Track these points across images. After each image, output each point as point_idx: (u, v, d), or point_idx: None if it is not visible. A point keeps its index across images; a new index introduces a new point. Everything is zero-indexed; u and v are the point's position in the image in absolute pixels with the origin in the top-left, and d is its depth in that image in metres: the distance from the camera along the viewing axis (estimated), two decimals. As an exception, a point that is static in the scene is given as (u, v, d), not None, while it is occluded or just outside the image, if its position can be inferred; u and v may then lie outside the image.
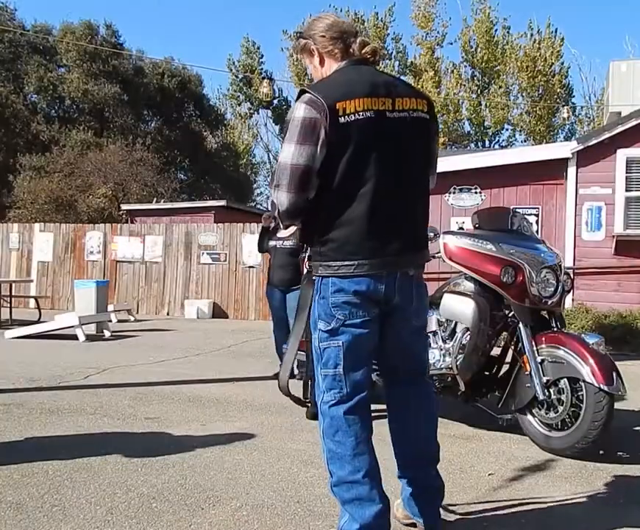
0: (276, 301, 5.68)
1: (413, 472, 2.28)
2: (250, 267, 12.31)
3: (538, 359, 3.48)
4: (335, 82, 2.08)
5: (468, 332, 3.71)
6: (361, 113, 1.99)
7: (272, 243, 5.68)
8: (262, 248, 5.95)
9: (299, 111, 2.02)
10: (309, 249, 2.19)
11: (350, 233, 2.03)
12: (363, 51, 2.14)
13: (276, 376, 5.64)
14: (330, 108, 1.97)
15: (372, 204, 2.03)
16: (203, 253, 12.68)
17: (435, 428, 2.32)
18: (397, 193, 2.07)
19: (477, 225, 3.92)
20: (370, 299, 2.07)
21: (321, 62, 2.21)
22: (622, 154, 8.61)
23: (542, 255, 3.71)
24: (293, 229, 5.84)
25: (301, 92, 2.07)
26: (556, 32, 24.41)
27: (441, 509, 2.36)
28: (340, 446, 2.08)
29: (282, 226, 2.29)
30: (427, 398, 2.32)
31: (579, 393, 3.36)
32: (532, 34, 24.47)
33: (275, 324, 5.73)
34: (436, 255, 3.93)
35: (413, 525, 2.35)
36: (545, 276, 3.63)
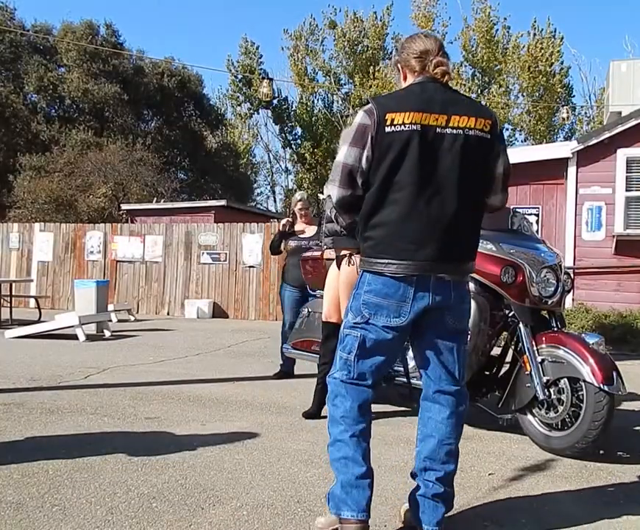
0: (289, 300, 5.65)
1: (421, 476, 2.35)
2: (250, 267, 12.31)
3: (539, 359, 3.48)
4: (396, 95, 2.31)
5: (469, 332, 3.71)
6: (407, 126, 2.17)
7: (294, 243, 5.66)
8: (276, 250, 5.89)
9: (358, 117, 2.26)
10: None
11: (384, 234, 2.22)
12: (435, 71, 2.29)
13: (276, 376, 5.67)
14: (380, 117, 2.18)
15: (406, 209, 2.19)
16: (203, 253, 12.69)
17: (453, 442, 2.34)
18: (436, 203, 2.20)
19: (477, 225, 3.91)
20: (397, 303, 2.22)
21: (404, 78, 2.41)
22: (622, 154, 8.62)
23: (542, 254, 3.71)
24: (314, 229, 5.83)
25: (367, 102, 2.29)
26: (555, 31, 24.44)
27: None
28: (336, 409, 2.33)
29: (339, 220, 2.40)
30: (452, 411, 2.34)
31: (579, 393, 3.37)
32: (534, 34, 24.48)
33: (284, 324, 5.70)
34: None
35: (414, 527, 2.35)
36: (545, 276, 3.63)
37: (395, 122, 2.17)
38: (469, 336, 3.68)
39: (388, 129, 2.17)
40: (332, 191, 2.28)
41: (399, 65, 2.44)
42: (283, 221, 5.83)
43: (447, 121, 2.21)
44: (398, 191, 2.19)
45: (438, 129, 2.20)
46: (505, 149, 2.39)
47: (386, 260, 2.20)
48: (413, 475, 2.40)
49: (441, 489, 2.30)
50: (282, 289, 5.78)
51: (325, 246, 4.12)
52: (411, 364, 3.86)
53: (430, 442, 2.33)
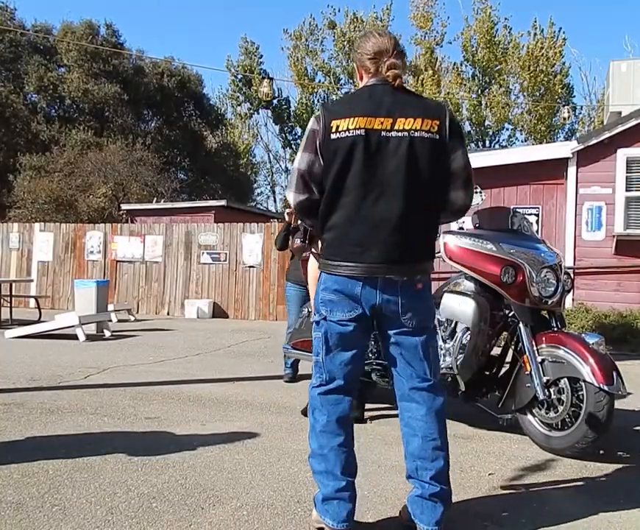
0: (295, 298, 5.61)
1: (415, 477, 2.36)
2: (250, 267, 12.31)
3: (539, 359, 3.47)
4: (345, 100, 2.40)
5: (469, 332, 3.71)
6: (352, 131, 2.21)
7: (299, 241, 5.59)
8: (284, 245, 5.77)
9: (310, 124, 2.33)
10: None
11: (334, 237, 2.30)
12: (387, 73, 2.30)
13: (288, 380, 5.56)
14: (326, 124, 2.25)
15: (352, 213, 2.25)
16: (203, 253, 12.69)
17: (437, 437, 2.33)
18: (381, 206, 2.23)
19: (477, 225, 3.92)
20: (350, 299, 2.28)
21: (360, 78, 2.43)
22: (622, 154, 8.61)
23: (542, 254, 3.70)
24: None
25: (320, 107, 2.37)
26: (559, 31, 24.42)
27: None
28: (315, 422, 2.38)
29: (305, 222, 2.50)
30: (429, 406, 2.35)
31: (579, 393, 3.37)
32: (535, 34, 24.47)
33: (290, 326, 5.67)
34: (436, 255, 3.93)
35: (414, 527, 2.35)
36: (545, 276, 3.63)
37: (340, 129, 2.22)
38: (469, 336, 3.70)
39: (333, 136, 2.23)
40: (289, 196, 2.37)
41: (355, 65, 2.46)
42: (288, 210, 5.65)
43: (393, 124, 2.22)
44: (345, 195, 2.24)
45: (383, 133, 2.22)
46: (462, 143, 2.35)
47: (337, 262, 2.28)
48: (408, 477, 2.40)
49: (437, 488, 2.30)
50: (288, 289, 5.73)
51: (299, 241, 4.16)
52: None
53: (415, 441, 2.34)
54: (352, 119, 2.21)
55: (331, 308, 2.31)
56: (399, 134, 2.22)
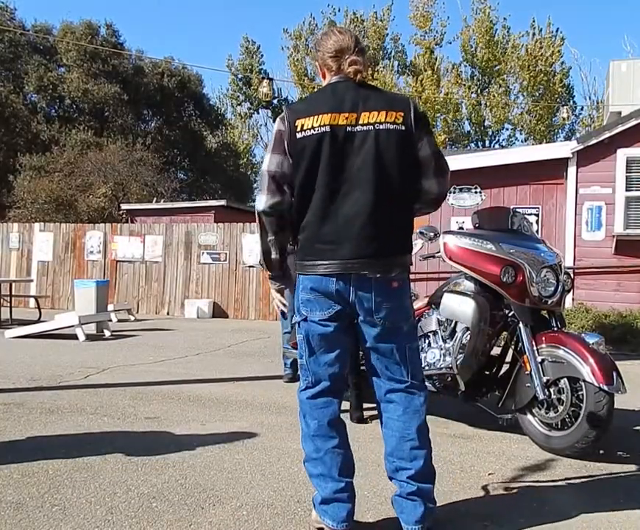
0: (288, 300, 5.59)
1: (394, 477, 2.35)
2: (250, 267, 12.31)
3: (538, 359, 3.47)
4: (308, 99, 2.39)
5: (469, 332, 3.71)
6: (317, 129, 2.21)
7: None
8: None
9: (275, 125, 2.33)
10: None
11: (306, 236, 2.28)
12: (348, 70, 2.30)
13: (288, 380, 5.52)
14: (291, 124, 2.24)
15: (321, 211, 2.23)
16: (203, 253, 12.69)
17: (414, 437, 2.30)
18: (349, 202, 2.22)
19: (477, 225, 3.92)
20: (325, 297, 2.26)
21: (323, 76, 2.41)
22: (622, 154, 8.61)
23: (542, 254, 3.70)
24: None
25: (283, 108, 2.35)
26: (557, 31, 24.43)
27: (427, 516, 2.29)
28: (307, 427, 2.36)
29: (260, 236, 2.41)
30: (406, 406, 2.33)
31: (579, 393, 3.36)
32: (534, 34, 24.48)
33: (284, 326, 5.66)
34: (436, 255, 3.93)
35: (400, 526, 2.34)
36: (545, 276, 3.63)
37: (305, 127, 2.22)
38: (469, 336, 3.70)
39: (299, 135, 2.22)
40: (260, 200, 2.30)
41: (317, 64, 2.44)
42: None
43: (357, 118, 2.22)
44: (315, 193, 2.23)
45: (349, 128, 2.21)
46: (429, 132, 2.34)
47: (311, 262, 2.26)
48: (390, 478, 2.39)
49: (414, 487, 2.27)
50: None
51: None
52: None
53: (392, 441, 2.33)
54: (316, 117, 2.21)
55: (310, 308, 2.29)
56: (364, 128, 2.21)
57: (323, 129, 2.20)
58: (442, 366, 3.84)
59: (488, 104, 25.34)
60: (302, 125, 2.22)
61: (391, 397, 2.35)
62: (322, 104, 2.24)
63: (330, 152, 2.20)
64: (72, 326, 8.17)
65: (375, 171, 2.21)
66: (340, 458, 2.31)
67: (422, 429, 2.32)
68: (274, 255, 2.37)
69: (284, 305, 2.59)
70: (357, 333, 2.34)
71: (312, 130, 2.20)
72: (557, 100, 23.57)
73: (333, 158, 2.20)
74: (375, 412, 4.26)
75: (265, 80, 13.65)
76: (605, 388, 3.22)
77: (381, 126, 2.21)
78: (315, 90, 2.39)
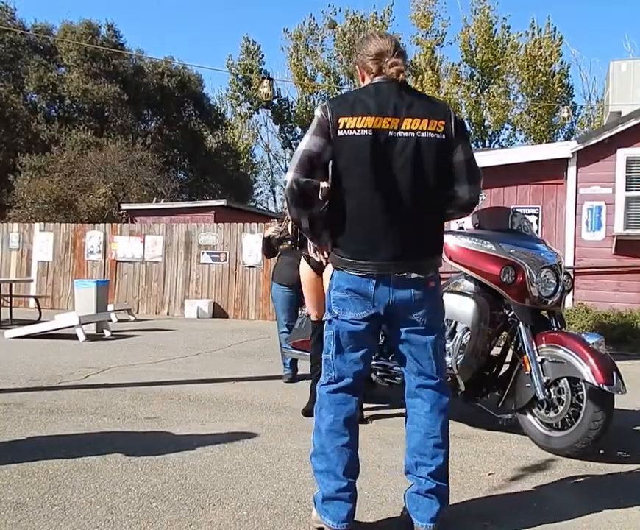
0: (282, 300, 5.57)
1: (412, 473, 2.38)
2: (250, 267, 12.31)
3: (538, 359, 3.47)
4: (349, 98, 2.34)
5: (469, 332, 3.71)
6: (359, 130, 2.22)
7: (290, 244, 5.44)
8: (272, 253, 5.50)
9: (316, 112, 2.31)
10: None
11: (343, 236, 2.31)
12: (390, 71, 2.32)
13: (288, 381, 5.52)
14: (334, 121, 2.24)
15: (359, 212, 2.26)
16: (203, 253, 12.68)
17: (439, 443, 2.35)
18: (387, 205, 2.25)
19: (477, 225, 3.92)
20: (363, 298, 2.28)
21: (362, 79, 2.44)
22: (622, 154, 8.62)
23: (542, 254, 3.70)
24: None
25: (324, 100, 2.29)
26: (555, 30, 24.42)
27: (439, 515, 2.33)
28: (321, 421, 2.37)
29: (288, 210, 2.37)
30: (433, 403, 2.38)
31: (579, 393, 3.37)
32: (533, 34, 24.48)
33: (280, 325, 5.65)
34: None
35: (412, 523, 2.35)
36: (545, 276, 3.63)
37: (347, 126, 2.22)
38: (469, 336, 3.70)
39: (340, 133, 2.23)
40: (289, 176, 2.26)
41: (357, 67, 2.47)
42: (271, 231, 5.38)
43: (400, 124, 2.24)
44: (354, 193, 2.25)
45: (390, 133, 2.24)
46: (465, 139, 2.40)
47: (347, 260, 2.29)
48: (406, 473, 2.42)
49: (434, 484, 2.31)
50: (274, 290, 5.62)
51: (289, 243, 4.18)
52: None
53: (417, 437, 2.37)
54: (359, 118, 2.22)
55: (343, 307, 2.31)
56: (406, 134, 2.24)
57: (365, 132, 2.21)
58: (442, 366, 3.83)
59: (487, 104, 25.34)
60: (345, 124, 2.22)
61: (420, 392, 2.39)
62: (366, 106, 2.25)
63: (371, 155, 2.22)
64: (72, 326, 8.17)
65: (413, 177, 2.25)
66: (347, 457, 2.32)
67: (445, 428, 2.38)
68: (304, 225, 2.34)
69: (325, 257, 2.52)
70: (388, 331, 2.41)
71: (354, 131, 2.22)
72: (557, 100, 23.57)
73: (373, 161, 2.22)
74: (375, 412, 4.27)
75: (265, 80, 13.65)
76: (605, 388, 3.22)
77: (422, 134, 2.25)
78: (356, 88, 2.40)
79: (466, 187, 2.37)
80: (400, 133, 2.24)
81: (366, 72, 2.40)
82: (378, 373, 4.18)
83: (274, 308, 5.78)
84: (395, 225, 2.26)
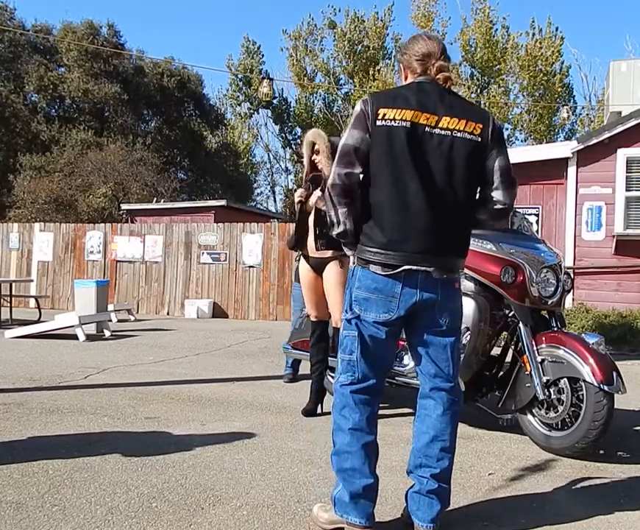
0: (298, 298, 5.53)
1: (415, 473, 2.40)
2: (250, 267, 12.31)
3: (538, 359, 3.47)
4: (391, 92, 2.42)
5: (469, 332, 3.71)
6: (397, 121, 2.24)
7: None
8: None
9: (357, 106, 2.33)
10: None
11: (372, 225, 2.29)
12: (437, 76, 2.35)
13: (288, 381, 5.49)
14: (373, 110, 2.27)
15: (390, 203, 2.26)
16: (203, 253, 12.69)
17: (446, 447, 2.37)
18: (420, 198, 2.25)
19: (477, 225, 3.91)
20: (386, 299, 2.27)
21: (405, 78, 2.46)
22: (622, 154, 8.62)
23: (542, 254, 3.70)
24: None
25: (367, 95, 2.41)
26: (557, 30, 24.41)
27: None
28: (344, 420, 2.35)
29: (332, 210, 2.35)
30: (446, 407, 2.39)
31: (579, 393, 3.36)
32: (533, 34, 24.47)
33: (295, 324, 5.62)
34: None
35: (411, 524, 2.36)
36: (545, 276, 3.63)
37: (386, 117, 2.25)
38: (469, 336, 3.69)
39: (379, 123, 2.25)
40: (334, 170, 2.32)
41: (401, 65, 2.49)
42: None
43: (437, 121, 2.27)
44: (386, 183, 2.26)
45: (427, 129, 2.26)
46: (503, 146, 2.41)
47: (374, 249, 2.26)
48: (409, 472, 2.44)
49: (435, 485, 2.33)
50: (295, 289, 5.58)
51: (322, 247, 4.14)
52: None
53: (425, 439, 2.38)
54: (398, 110, 2.25)
55: (365, 307, 2.30)
56: (443, 132, 2.27)
57: (403, 123, 2.24)
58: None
59: (487, 104, 25.33)
60: (384, 114, 2.25)
61: (434, 395, 2.39)
62: (406, 100, 2.28)
63: (406, 147, 2.24)
64: (72, 326, 8.16)
65: (446, 175, 2.27)
66: (373, 456, 2.36)
67: (454, 433, 2.40)
68: (348, 226, 2.32)
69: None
70: (408, 329, 2.39)
71: (392, 121, 2.24)
72: (557, 100, 23.57)
73: (408, 153, 2.24)
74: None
75: (265, 80, 13.65)
76: (605, 388, 3.22)
77: (459, 134, 2.28)
78: (397, 85, 2.47)
79: (500, 192, 2.39)
80: (437, 130, 2.26)
81: (410, 71, 2.42)
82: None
83: (292, 306, 5.79)
84: (426, 218, 2.25)
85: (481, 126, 2.32)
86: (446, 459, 2.35)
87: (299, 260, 4.42)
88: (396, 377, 4.03)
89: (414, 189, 2.24)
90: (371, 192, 2.29)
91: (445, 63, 2.35)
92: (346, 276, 4.17)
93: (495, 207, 2.41)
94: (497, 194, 2.39)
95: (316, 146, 4.16)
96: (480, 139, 2.31)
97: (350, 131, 2.31)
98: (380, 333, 2.30)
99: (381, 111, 2.26)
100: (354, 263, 2.37)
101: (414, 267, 2.24)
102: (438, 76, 2.34)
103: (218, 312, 12.37)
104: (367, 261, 2.29)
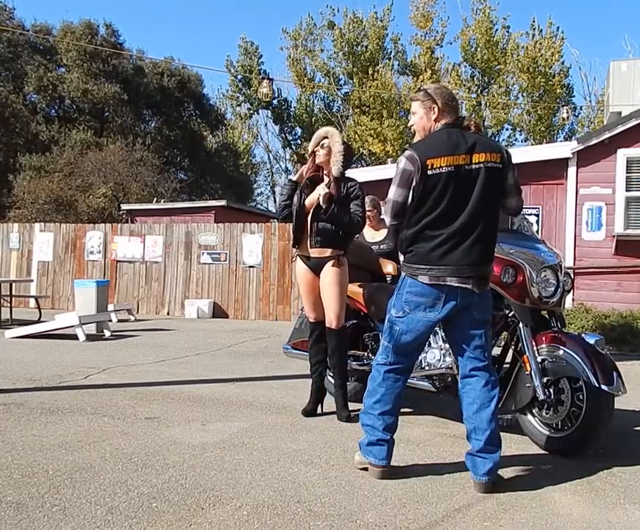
0: None
1: (472, 436, 2.91)
2: (250, 267, 12.31)
3: (539, 359, 3.47)
4: (430, 143, 2.95)
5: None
6: (444, 168, 2.84)
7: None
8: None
9: (401, 163, 2.93)
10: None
11: (427, 247, 2.89)
12: (470, 123, 3.01)
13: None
14: (422, 164, 2.84)
15: (443, 228, 2.86)
16: (203, 253, 12.69)
17: (491, 411, 2.89)
18: (466, 220, 2.86)
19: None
20: (432, 303, 2.88)
21: (437, 119, 3.01)
22: (622, 154, 8.62)
23: (542, 254, 3.70)
24: (384, 232, 5.25)
25: (408, 148, 3.00)
26: (558, 30, 24.41)
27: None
28: (374, 391, 3.04)
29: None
30: (487, 379, 2.94)
31: (579, 393, 3.36)
32: (533, 34, 24.47)
33: None
34: None
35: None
36: (545, 276, 3.62)
37: (435, 166, 2.84)
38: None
39: (430, 172, 2.83)
40: (387, 219, 3.03)
41: (434, 106, 2.99)
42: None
43: (470, 159, 2.88)
44: (440, 212, 2.84)
45: (466, 167, 2.87)
46: (513, 166, 3.01)
47: (427, 266, 2.87)
48: (468, 437, 2.94)
49: (488, 446, 2.84)
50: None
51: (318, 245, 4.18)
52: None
53: (473, 408, 2.91)
54: (442, 158, 2.84)
55: (415, 307, 2.91)
56: (477, 166, 2.88)
57: (449, 168, 2.84)
58: (442, 366, 3.84)
59: (488, 104, 25.34)
60: (432, 164, 2.83)
61: (475, 373, 2.95)
62: (444, 148, 2.87)
63: (455, 184, 2.84)
64: (72, 326, 8.17)
65: (484, 197, 2.88)
66: (390, 420, 3.01)
67: (495, 399, 2.93)
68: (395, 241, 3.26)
69: None
70: (447, 324, 3.01)
71: (440, 169, 2.83)
72: (557, 100, 23.56)
73: (456, 189, 2.85)
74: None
75: (265, 80, 13.65)
76: (605, 388, 3.22)
77: (489, 164, 2.90)
78: (431, 134, 3.03)
79: (514, 199, 3.05)
80: (473, 166, 2.88)
81: (446, 112, 2.99)
82: (354, 362, 4.46)
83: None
84: (468, 235, 2.85)
85: (499, 155, 2.94)
86: (493, 422, 2.87)
87: (295, 261, 4.41)
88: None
89: (462, 213, 2.84)
90: (425, 220, 2.86)
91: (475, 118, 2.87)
92: (343, 275, 4.20)
93: (511, 207, 3.07)
94: (512, 201, 3.05)
95: (324, 142, 4.16)
96: (500, 165, 2.93)
97: (396, 188, 2.91)
98: (423, 325, 2.91)
99: (429, 162, 2.83)
100: (404, 273, 2.98)
101: (455, 284, 2.84)
102: (470, 124, 2.99)
103: (218, 312, 12.37)
104: (416, 274, 2.89)
